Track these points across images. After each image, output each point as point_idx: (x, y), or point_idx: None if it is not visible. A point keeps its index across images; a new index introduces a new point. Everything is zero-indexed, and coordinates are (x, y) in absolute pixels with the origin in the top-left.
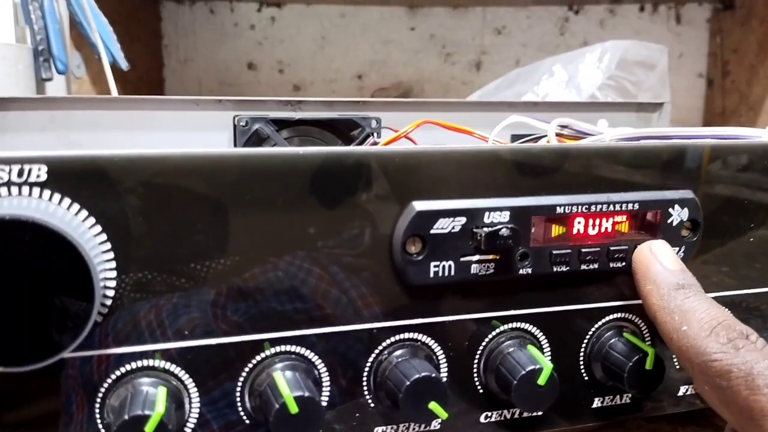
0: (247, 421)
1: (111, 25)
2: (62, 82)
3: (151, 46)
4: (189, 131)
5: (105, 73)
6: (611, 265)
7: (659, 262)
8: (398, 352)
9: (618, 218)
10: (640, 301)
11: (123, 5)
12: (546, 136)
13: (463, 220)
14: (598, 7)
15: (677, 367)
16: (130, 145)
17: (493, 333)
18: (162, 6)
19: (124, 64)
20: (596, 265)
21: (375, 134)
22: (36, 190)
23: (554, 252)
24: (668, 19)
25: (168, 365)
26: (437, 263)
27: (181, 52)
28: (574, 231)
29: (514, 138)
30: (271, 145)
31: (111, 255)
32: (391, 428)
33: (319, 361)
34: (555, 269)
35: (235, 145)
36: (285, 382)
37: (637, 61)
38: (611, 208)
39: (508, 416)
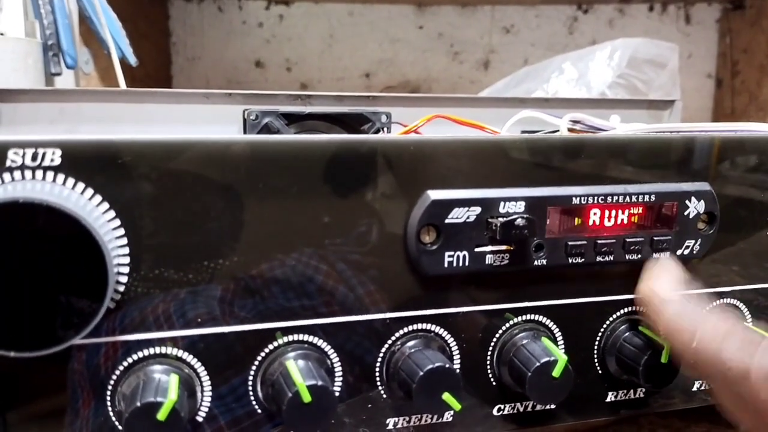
0: (259, 411)
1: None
2: (71, 77)
3: (159, 43)
4: (198, 124)
5: (113, 69)
6: (627, 257)
7: (657, 296)
8: (411, 343)
9: (634, 210)
10: None
11: (131, 2)
12: (558, 131)
13: (478, 209)
14: (607, 6)
15: None
16: None
17: (507, 325)
18: (170, 3)
19: (132, 60)
20: (612, 257)
21: (385, 129)
22: (50, 174)
23: (570, 243)
24: (677, 19)
25: (180, 353)
26: (451, 253)
27: (188, 49)
28: (590, 222)
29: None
30: None
31: (124, 240)
32: (404, 420)
33: (332, 350)
34: (570, 261)
35: None
36: (298, 371)
37: (648, 60)
38: (627, 199)
39: (521, 409)
